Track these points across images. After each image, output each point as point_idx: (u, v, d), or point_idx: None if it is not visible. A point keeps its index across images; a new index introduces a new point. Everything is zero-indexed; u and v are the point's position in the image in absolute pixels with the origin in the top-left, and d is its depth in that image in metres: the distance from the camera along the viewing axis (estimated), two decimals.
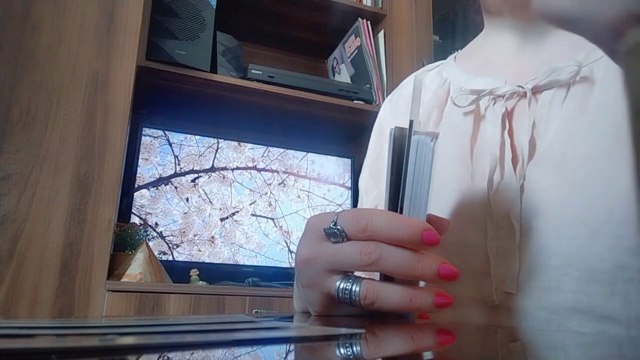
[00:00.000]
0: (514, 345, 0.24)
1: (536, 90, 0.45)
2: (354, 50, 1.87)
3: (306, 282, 0.38)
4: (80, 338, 0.18)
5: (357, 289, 0.34)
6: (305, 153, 1.87)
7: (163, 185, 1.66)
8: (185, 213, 1.66)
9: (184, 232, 1.65)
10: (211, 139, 1.75)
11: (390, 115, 0.63)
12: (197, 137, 1.73)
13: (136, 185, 1.62)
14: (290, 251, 1.76)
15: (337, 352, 0.18)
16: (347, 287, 0.34)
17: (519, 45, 0.51)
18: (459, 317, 0.44)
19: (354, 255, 0.34)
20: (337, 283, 0.35)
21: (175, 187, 1.67)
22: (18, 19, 1.30)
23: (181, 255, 1.63)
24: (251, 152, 1.80)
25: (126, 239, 1.48)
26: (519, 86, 0.46)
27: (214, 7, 1.62)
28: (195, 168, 1.71)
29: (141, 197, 1.63)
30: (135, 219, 1.59)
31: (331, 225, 0.35)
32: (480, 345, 0.24)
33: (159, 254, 1.58)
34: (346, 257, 0.34)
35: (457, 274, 0.33)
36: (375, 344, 0.20)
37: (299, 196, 1.83)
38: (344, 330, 0.23)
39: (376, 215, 0.33)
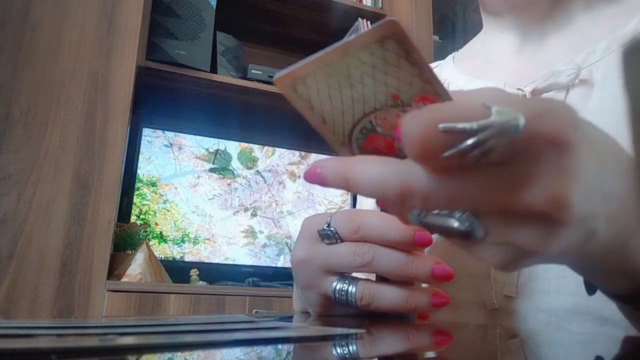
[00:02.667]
0: (511, 344, 0.24)
1: (535, 93, 0.45)
2: None
3: (303, 284, 0.38)
4: (80, 338, 0.18)
5: (354, 289, 0.34)
6: (305, 153, 1.87)
7: (163, 185, 1.66)
8: (185, 213, 1.66)
9: (184, 232, 1.65)
10: (211, 139, 1.75)
11: None
12: (197, 137, 1.73)
13: (136, 185, 1.62)
14: (290, 251, 1.76)
15: (336, 352, 0.18)
16: (344, 288, 0.34)
17: (518, 46, 0.51)
18: (459, 320, 0.44)
19: (347, 256, 0.34)
20: (334, 284, 0.35)
21: (176, 188, 1.67)
22: (18, 19, 1.30)
23: (181, 255, 1.63)
24: (251, 152, 1.80)
25: (126, 239, 1.48)
26: (518, 89, 0.46)
27: (214, 7, 1.62)
28: (195, 168, 1.71)
29: (141, 197, 1.63)
30: (135, 219, 1.59)
31: (325, 227, 0.35)
32: (478, 346, 0.24)
33: (159, 254, 1.58)
34: (340, 258, 0.34)
35: (451, 274, 0.32)
36: (374, 344, 0.20)
37: (299, 197, 1.83)
38: (343, 331, 0.23)
39: (368, 217, 0.33)
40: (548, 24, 0.48)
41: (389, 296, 0.33)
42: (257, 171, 1.79)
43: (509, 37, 0.52)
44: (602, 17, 0.46)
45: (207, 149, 1.73)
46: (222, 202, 1.72)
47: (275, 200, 1.79)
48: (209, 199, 1.70)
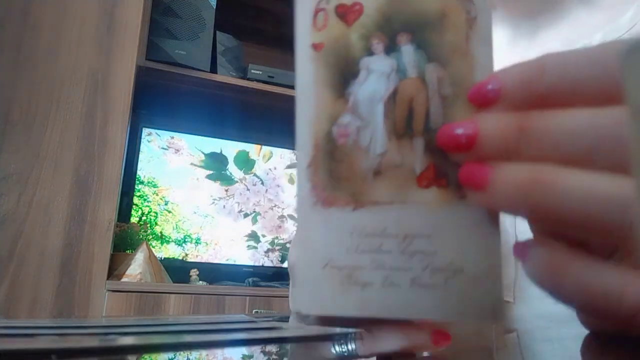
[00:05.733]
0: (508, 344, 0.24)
1: None
2: None
3: None
4: (80, 338, 0.18)
5: None
6: None
7: (163, 185, 1.66)
8: (186, 213, 1.66)
9: (184, 232, 1.65)
10: (211, 139, 1.75)
11: None
12: (197, 137, 1.73)
13: (137, 187, 1.62)
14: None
15: (334, 351, 0.18)
16: None
17: (511, 40, 0.50)
18: (456, 328, 0.44)
19: None
20: None
21: (176, 187, 1.67)
22: (18, 19, 1.30)
23: (181, 255, 1.63)
24: (252, 152, 1.79)
25: (126, 239, 1.48)
26: None
27: (214, 7, 1.62)
28: (195, 168, 1.71)
29: (143, 199, 1.63)
30: (135, 219, 1.59)
31: None
32: (477, 345, 0.24)
33: (159, 254, 1.58)
34: None
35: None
36: (371, 342, 0.20)
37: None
38: (341, 330, 0.23)
39: None
40: (541, 17, 0.48)
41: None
42: (255, 174, 1.78)
43: (501, 30, 0.51)
44: (597, 8, 0.45)
45: (207, 149, 1.73)
46: (223, 202, 1.71)
47: (275, 205, 1.79)
48: (210, 199, 1.70)
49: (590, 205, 0.16)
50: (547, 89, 0.17)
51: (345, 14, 0.21)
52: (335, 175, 0.20)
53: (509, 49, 0.50)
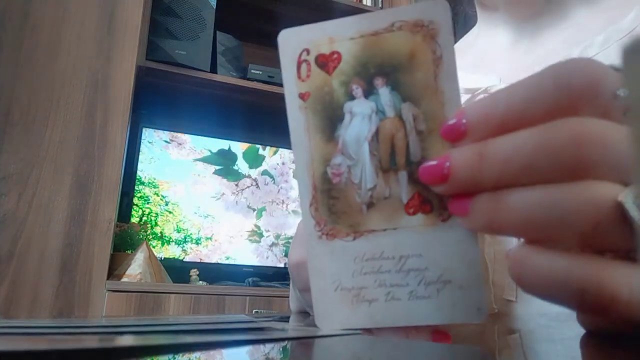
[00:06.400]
0: (510, 343, 0.24)
1: None
2: None
3: (301, 286, 0.37)
4: (80, 338, 0.18)
5: None
6: None
7: (163, 184, 1.66)
8: (186, 213, 1.66)
9: (184, 232, 1.65)
10: (211, 138, 1.75)
11: None
12: (197, 137, 1.73)
13: (138, 187, 1.62)
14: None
15: (333, 352, 0.18)
16: None
17: (513, 41, 0.49)
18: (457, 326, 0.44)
19: None
20: None
21: (175, 187, 1.67)
22: (18, 19, 1.30)
23: (181, 255, 1.63)
24: (252, 152, 1.79)
25: (126, 239, 1.48)
26: None
27: (214, 7, 1.62)
28: (195, 168, 1.71)
29: (143, 200, 1.63)
30: (135, 220, 1.59)
31: None
32: (477, 345, 0.24)
33: (159, 254, 1.58)
34: None
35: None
36: (371, 343, 0.20)
37: (298, 197, 1.83)
38: (341, 331, 0.23)
39: None
40: (543, 19, 0.47)
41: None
42: (265, 170, 1.79)
43: (503, 32, 0.51)
44: (599, 10, 0.45)
45: (210, 150, 1.73)
46: (223, 202, 1.71)
47: (282, 200, 1.78)
48: (216, 200, 1.70)
49: (536, 213, 0.18)
50: (501, 118, 0.20)
51: (325, 64, 0.23)
52: (334, 210, 0.23)
53: (511, 50, 0.50)
